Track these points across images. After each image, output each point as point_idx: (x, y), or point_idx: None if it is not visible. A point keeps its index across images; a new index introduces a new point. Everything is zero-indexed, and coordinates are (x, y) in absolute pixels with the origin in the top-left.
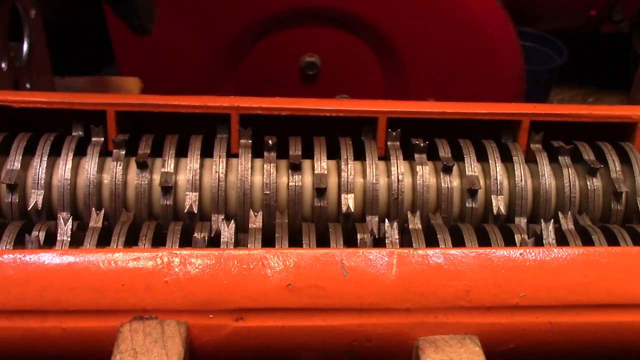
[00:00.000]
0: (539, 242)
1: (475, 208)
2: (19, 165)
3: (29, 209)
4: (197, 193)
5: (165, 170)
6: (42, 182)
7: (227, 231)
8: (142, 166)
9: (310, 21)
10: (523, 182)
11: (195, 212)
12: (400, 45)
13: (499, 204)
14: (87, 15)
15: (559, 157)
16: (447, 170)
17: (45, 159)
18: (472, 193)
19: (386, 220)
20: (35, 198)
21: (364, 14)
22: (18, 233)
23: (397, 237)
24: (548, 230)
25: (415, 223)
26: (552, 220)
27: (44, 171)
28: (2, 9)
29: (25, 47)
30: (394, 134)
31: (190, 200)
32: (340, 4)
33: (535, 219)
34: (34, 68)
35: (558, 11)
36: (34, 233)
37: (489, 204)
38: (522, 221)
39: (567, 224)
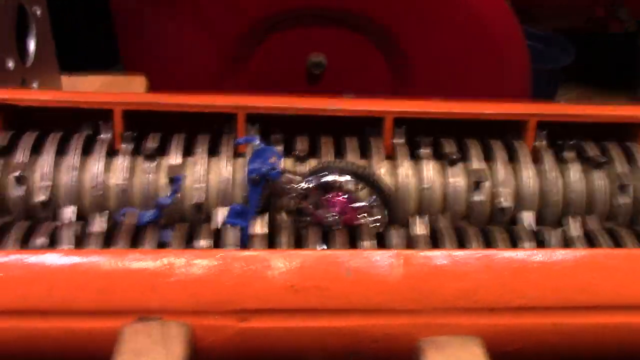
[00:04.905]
0: None
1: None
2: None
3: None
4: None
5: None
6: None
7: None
8: None
9: (316, 20)
10: None
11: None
12: (407, 44)
13: None
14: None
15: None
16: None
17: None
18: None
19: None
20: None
21: (370, 13)
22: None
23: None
24: None
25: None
26: None
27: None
28: (8, 7)
29: (32, 45)
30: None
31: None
32: (346, 3)
33: None
34: (41, 67)
35: (564, 10)
36: None
37: None
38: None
39: None
